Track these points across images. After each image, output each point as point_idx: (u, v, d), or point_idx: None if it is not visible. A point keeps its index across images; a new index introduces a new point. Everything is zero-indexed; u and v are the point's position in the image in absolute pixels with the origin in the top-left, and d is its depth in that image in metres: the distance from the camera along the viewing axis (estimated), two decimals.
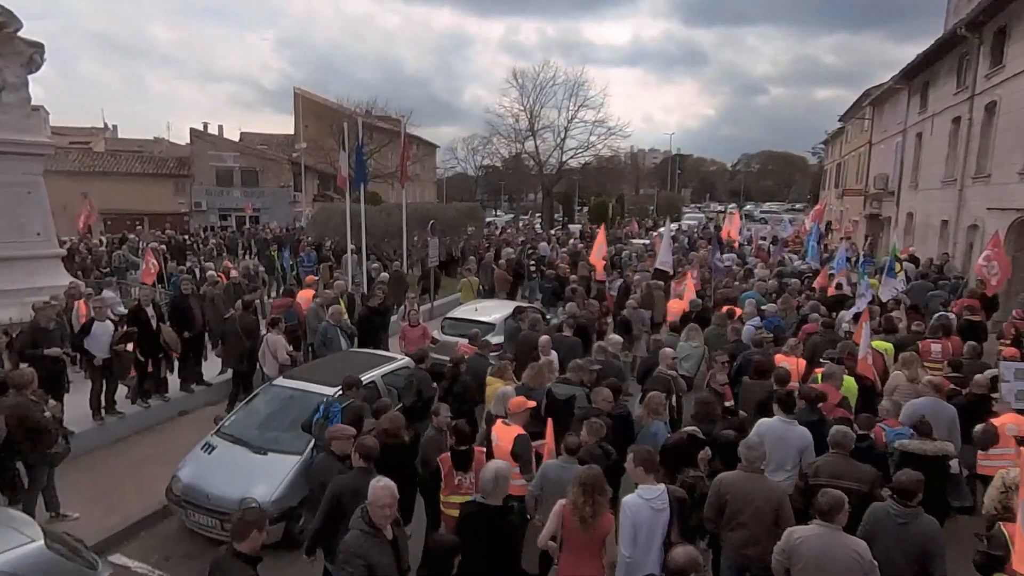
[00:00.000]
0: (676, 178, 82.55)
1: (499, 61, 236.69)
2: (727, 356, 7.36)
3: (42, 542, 4.05)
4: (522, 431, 5.62)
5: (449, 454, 5.29)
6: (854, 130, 35.58)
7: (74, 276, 14.99)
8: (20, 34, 12.61)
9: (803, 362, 7.80)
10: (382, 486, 3.84)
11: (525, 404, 5.92)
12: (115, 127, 52.58)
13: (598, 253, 15.33)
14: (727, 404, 6.67)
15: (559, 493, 4.57)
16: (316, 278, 14.34)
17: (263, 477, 6.09)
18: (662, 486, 4.43)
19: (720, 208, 73.74)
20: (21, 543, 3.97)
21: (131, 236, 24.18)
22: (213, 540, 6.06)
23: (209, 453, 6.55)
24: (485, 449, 5.52)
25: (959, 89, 18.64)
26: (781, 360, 7.56)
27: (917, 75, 22.84)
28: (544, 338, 8.38)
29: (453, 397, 7.14)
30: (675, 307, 11.77)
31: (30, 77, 13.13)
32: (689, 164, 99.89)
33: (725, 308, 10.38)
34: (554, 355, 8.18)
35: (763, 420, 5.79)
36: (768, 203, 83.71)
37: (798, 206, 74.94)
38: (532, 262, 18.22)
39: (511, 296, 16.07)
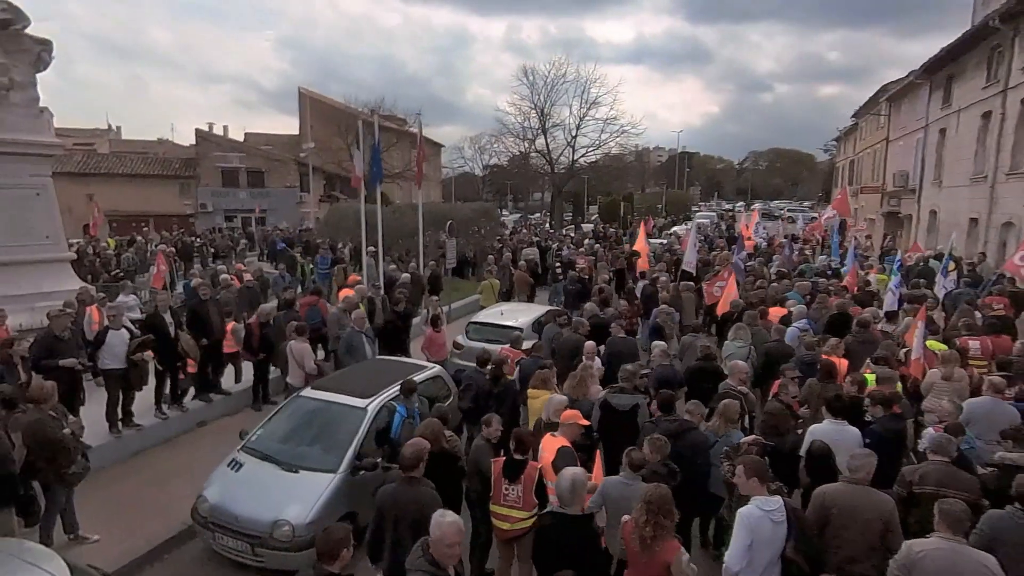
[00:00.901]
0: (685, 176, 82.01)
1: (501, 60, 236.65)
2: (797, 370, 6.93)
3: None
4: (567, 443, 5.31)
5: (503, 460, 4.99)
6: (869, 127, 35.01)
7: (83, 280, 14.68)
8: (27, 31, 12.31)
9: (845, 362, 7.58)
10: (449, 522, 3.49)
11: (578, 419, 5.58)
12: (119, 128, 52.36)
13: (640, 245, 16.21)
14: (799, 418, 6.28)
15: (621, 511, 4.35)
16: (359, 277, 13.93)
17: (296, 497, 5.71)
18: (779, 498, 4.13)
19: (729, 206, 73.24)
20: None
21: (139, 238, 23.85)
22: (242, 565, 5.71)
23: (236, 471, 6.17)
24: (540, 466, 5.16)
25: (989, 83, 18.14)
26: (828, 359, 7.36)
27: (940, 69, 22.23)
28: (589, 343, 8.01)
29: (495, 400, 6.86)
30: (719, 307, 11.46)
31: (38, 76, 12.83)
32: (696, 162, 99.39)
33: (759, 308, 10.14)
34: (598, 361, 7.82)
35: (816, 426, 5.52)
36: (775, 201, 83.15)
37: (806, 203, 74.37)
38: (558, 264, 17.85)
39: (530, 299, 15.71)
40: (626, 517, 4.08)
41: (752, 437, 5.43)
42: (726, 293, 11.09)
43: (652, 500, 3.89)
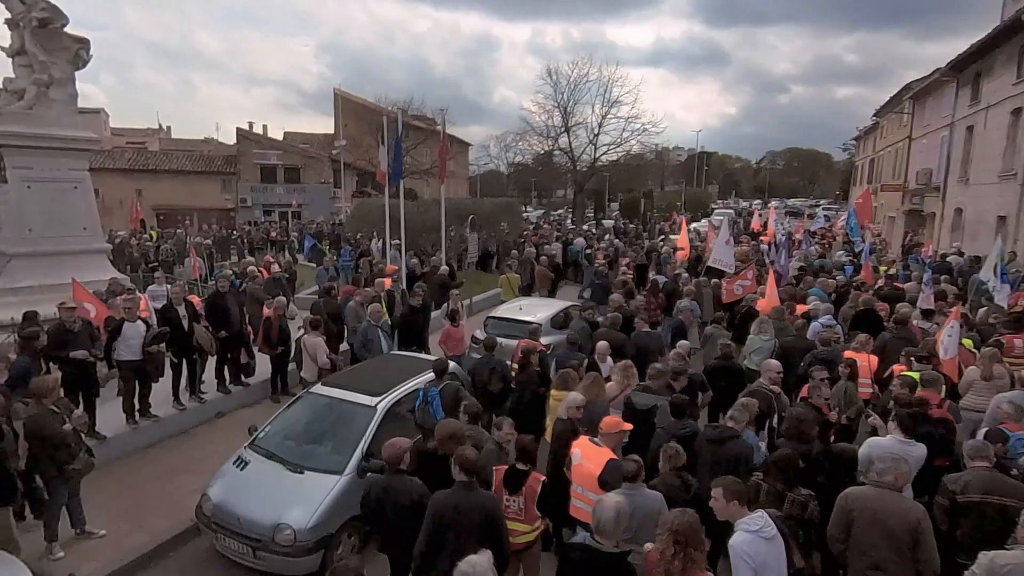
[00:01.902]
0: (703, 175, 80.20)
1: (525, 63, 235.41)
2: (826, 371, 6.22)
3: None
4: (613, 455, 4.67)
5: (504, 469, 4.42)
6: (890, 125, 33.70)
7: (123, 270, 14.54)
8: (65, 30, 12.08)
9: (875, 359, 7.17)
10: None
11: (621, 426, 4.97)
12: (169, 128, 53.14)
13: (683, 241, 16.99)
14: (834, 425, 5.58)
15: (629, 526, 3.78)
16: (396, 268, 13.55)
17: (299, 500, 5.22)
18: (761, 512, 3.62)
19: (746, 204, 71.47)
20: None
21: (178, 231, 23.86)
22: (246, 567, 5.26)
23: (242, 469, 5.71)
24: (544, 478, 4.53)
25: (1020, 79, 16.86)
26: (851, 355, 6.98)
27: (967, 67, 20.91)
28: (602, 343, 7.37)
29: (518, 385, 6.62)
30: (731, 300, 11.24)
31: (76, 73, 12.60)
32: (715, 161, 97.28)
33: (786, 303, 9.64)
34: (610, 361, 7.19)
35: (878, 440, 4.88)
36: (792, 199, 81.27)
37: (823, 202, 72.40)
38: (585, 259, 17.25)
39: (551, 294, 15.07)
40: (649, 546, 3.45)
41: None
42: (746, 290, 10.54)
43: (679, 530, 3.21)
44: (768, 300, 9.97)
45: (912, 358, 6.69)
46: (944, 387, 6.22)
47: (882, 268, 14.20)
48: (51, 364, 6.85)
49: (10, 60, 11.79)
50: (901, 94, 30.24)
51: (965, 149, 21.29)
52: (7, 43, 11.71)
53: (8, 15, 11.49)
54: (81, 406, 6.43)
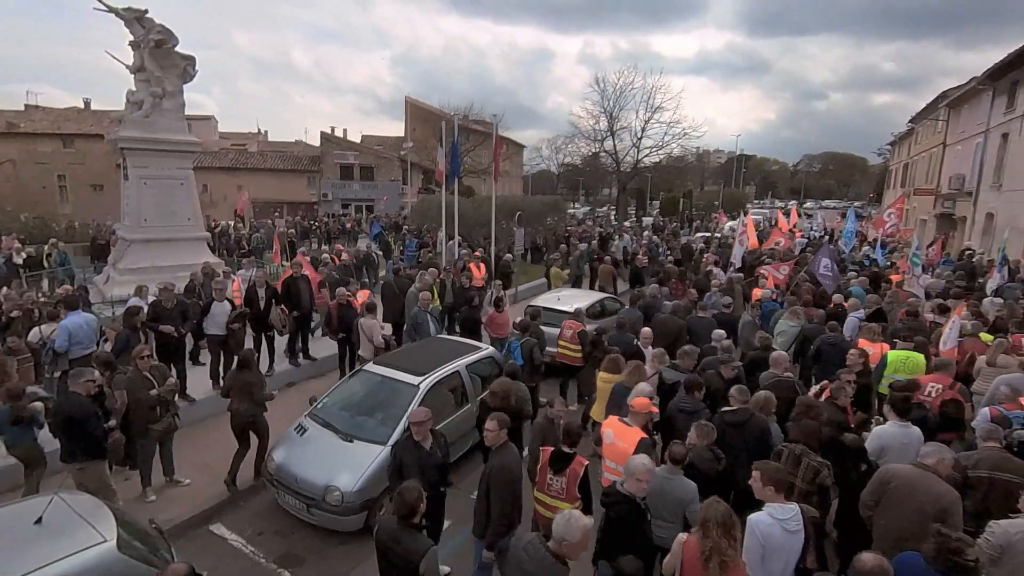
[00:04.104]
0: (741, 176, 76.64)
1: (577, 72, 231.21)
2: (853, 374, 5.78)
3: (114, 543, 3.34)
4: (644, 435, 4.60)
5: (551, 450, 4.34)
6: (925, 131, 31.57)
7: (220, 255, 15.27)
8: (176, 49, 12.64)
9: (886, 346, 6.94)
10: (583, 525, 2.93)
11: (649, 407, 4.83)
12: (266, 132, 55.39)
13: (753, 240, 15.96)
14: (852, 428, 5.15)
15: (657, 504, 3.90)
16: (480, 253, 13.79)
17: (348, 466, 5.30)
18: (795, 506, 3.42)
19: (781, 204, 67.95)
20: (91, 543, 3.28)
21: (268, 222, 24.87)
22: (301, 521, 5.39)
23: (301, 435, 5.85)
24: (587, 462, 4.38)
25: None
26: (865, 344, 6.87)
27: (1004, 75, 19.16)
28: (646, 330, 7.28)
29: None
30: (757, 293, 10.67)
31: (184, 86, 13.18)
32: (753, 163, 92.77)
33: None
34: (649, 349, 7.01)
35: (881, 428, 4.74)
36: (827, 200, 76.76)
37: (857, 204, 68.12)
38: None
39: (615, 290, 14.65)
40: (684, 536, 3.28)
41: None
42: (773, 280, 10.41)
43: (723, 522, 3.06)
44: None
45: (896, 339, 6.83)
46: (955, 371, 6.02)
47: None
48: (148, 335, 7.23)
49: (132, 76, 12.48)
50: (937, 101, 28.32)
51: (999, 156, 19.60)
52: (130, 62, 12.39)
53: (131, 38, 12.13)
54: (173, 372, 6.76)
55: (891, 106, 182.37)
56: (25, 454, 5.08)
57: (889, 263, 14.33)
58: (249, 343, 8.19)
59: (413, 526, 3.22)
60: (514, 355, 7.14)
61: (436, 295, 9.45)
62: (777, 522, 3.29)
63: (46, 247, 14.72)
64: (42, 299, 9.22)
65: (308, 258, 11.70)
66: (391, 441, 5.47)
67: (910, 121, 34.82)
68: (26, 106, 38.19)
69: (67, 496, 3.68)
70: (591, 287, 14.50)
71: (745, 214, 19.14)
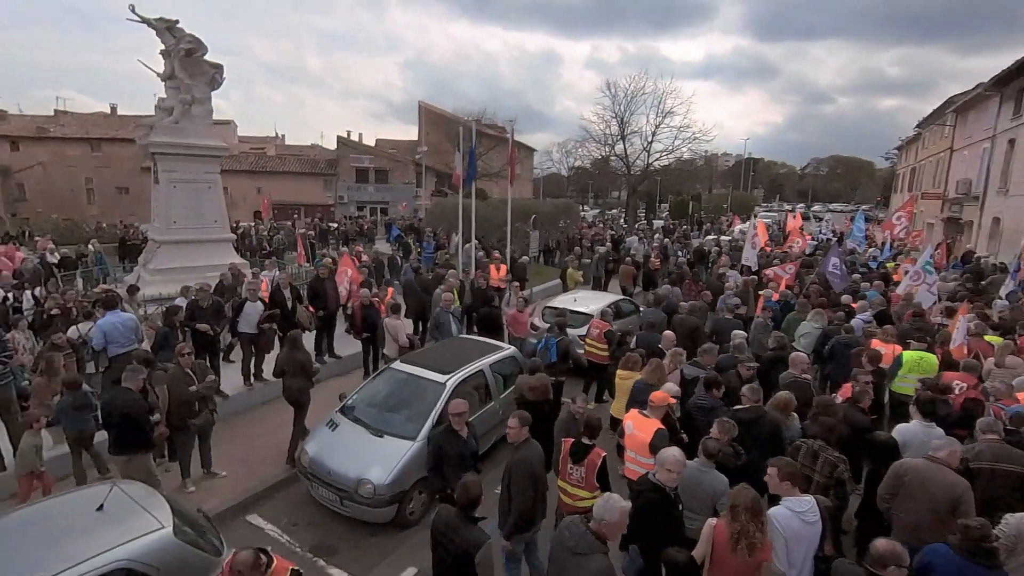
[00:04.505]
0: (750, 179, 76.12)
1: (585, 76, 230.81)
2: (870, 375, 5.84)
3: (170, 529, 3.50)
4: (662, 425, 4.75)
5: (571, 441, 4.49)
6: (932, 136, 31.36)
7: (243, 255, 15.50)
8: (205, 58, 12.88)
9: (899, 348, 7.00)
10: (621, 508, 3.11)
11: (668, 400, 4.99)
12: (283, 136, 56.02)
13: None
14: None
15: (691, 496, 4.01)
16: (499, 255, 13.94)
17: (379, 460, 5.43)
18: (811, 498, 3.59)
19: (789, 207, 67.40)
20: (149, 529, 3.44)
21: (288, 223, 25.14)
22: (334, 513, 5.53)
23: (333, 430, 5.99)
24: (604, 453, 4.53)
25: None
26: (878, 345, 6.94)
27: (1011, 82, 19.07)
28: (668, 333, 7.35)
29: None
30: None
31: (212, 93, 13.43)
32: (761, 167, 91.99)
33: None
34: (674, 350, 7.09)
35: (904, 426, 4.86)
36: (833, 204, 76.09)
37: (864, 206, 67.51)
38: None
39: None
40: (713, 520, 3.45)
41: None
42: (784, 282, 10.35)
43: (752, 508, 3.25)
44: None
45: (910, 340, 6.96)
46: (979, 372, 6.17)
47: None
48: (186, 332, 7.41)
49: (163, 83, 12.75)
50: (944, 107, 28.24)
51: (1006, 161, 19.45)
52: (161, 70, 12.65)
53: (162, 47, 12.39)
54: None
55: (897, 110, 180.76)
56: (79, 437, 5.46)
57: (897, 265, 14.28)
58: (277, 342, 8.36)
59: (471, 518, 3.31)
60: (550, 352, 7.30)
61: (456, 296, 9.58)
62: (795, 514, 3.44)
63: (90, 246, 15.13)
64: (80, 298, 9.45)
65: (352, 258, 11.85)
66: (420, 437, 5.60)
67: (917, 126, 34.70)
68: (56, 111, 38.96)
69: (124, 485, 3.85)
70: (604, 288, 14.57)
71: (755, 217, 19.05)
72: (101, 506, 3.53)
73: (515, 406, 6.79)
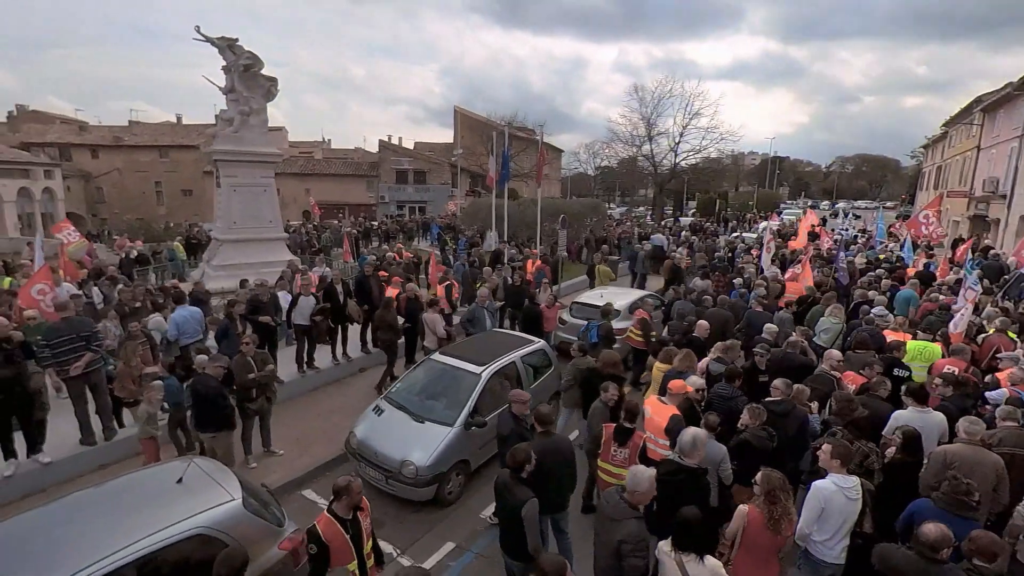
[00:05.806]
0: (775, 177, 73.64)
1: (611, 79, 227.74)
2: (881, 368, 5.73)
3: (240, 500, 3.73)
4: (677, 412, 4.82)
5: (614, 426, 4.65)
6: (959, 135, 29.85)
7: (294, 252, 16.04)
8: (261, 72, 13.34)
9: (908, 336, 7.03)
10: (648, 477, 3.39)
11: (685, 388, 5.07)
12: (329, 140, 57.22)
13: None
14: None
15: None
16: (537, 252, 14.08)
17: (420, 444, 5.60)
18: (856, 478, 3.71)
19: (813, 205, 64.93)
20: (222, 501, 3.68)
21: (334, 223, 25.77)
22: (380, 491, 5.73)
23: (379, 415, 6.20)
24: (646, 436, 4.64)
25: None
26: (891, 335, 6.96)
27: None
28: (702, 322, 7.37)
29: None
30: (792, 288, 10.58)
31: (268, 104, 13.89)
32: (786, 165, 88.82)
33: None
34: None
35: (900, 412, 4.83)
36: (859, 201, 72.83)
37: (888, 204, 64.39)
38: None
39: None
40: (745, 507, 3.54)
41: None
42: (802, 277, 10.27)
43: (783, 487, 3.44)
44: (796, 284, 10.16)
45: (918, 331, 7.07)
46: (969, 356, 6.26)
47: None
48: (247, 324, 7.76)
49: (223, 96, 13.28)
50: (971, 106, 26.72)
51: None
52: (222, 84, 13.18)
53: (223, 63, 12.89)
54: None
55: (923, 108, 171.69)
56: (174, 417, 5.91)
57: (925, 261, 13.73)
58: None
59: (521, 479, 3.67)
60: (591, 335, 7.75)
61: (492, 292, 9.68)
62: (840, 489, 3.57)
63: (175, 243, 16.02)
64: (154, 292, 9.99)
65: (437, 258, 12.25)
66: (457, 423, 5.75)
67: (944, 125, 33.01)
68: (130, 122, 40.99)
69: (200, 461, 4.11)
70: (642, 286, 14.34)
71: (774, 215, 18.52)
72: (180, 479, 3.79)
73: (548, 393, 6.96)
